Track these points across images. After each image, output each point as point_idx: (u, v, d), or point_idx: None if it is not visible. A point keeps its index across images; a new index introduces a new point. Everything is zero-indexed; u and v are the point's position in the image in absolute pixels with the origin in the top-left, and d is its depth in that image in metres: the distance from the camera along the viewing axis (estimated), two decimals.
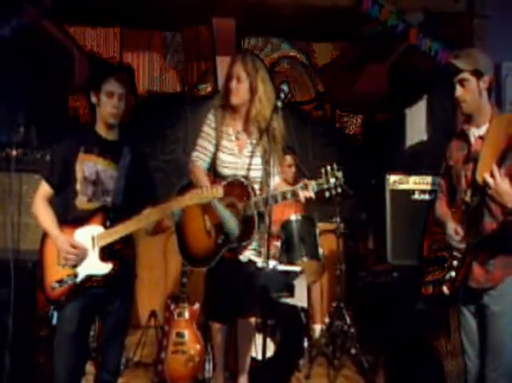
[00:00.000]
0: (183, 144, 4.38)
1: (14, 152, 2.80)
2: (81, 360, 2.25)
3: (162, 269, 4.02)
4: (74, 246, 2.09)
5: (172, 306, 3.01)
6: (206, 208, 2.35)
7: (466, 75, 2.09)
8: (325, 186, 2.18)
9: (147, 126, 4.32)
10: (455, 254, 2.07)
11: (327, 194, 2.20)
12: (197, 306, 3.00)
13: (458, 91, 2.11)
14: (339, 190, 2.18)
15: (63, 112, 4.33)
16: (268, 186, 2.30)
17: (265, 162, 2.24)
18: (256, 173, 2.48)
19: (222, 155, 2.48)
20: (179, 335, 2.94)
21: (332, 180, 2.17)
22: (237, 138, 2.51)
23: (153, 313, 3.31)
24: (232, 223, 2.29)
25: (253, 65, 2.43)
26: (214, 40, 4.24)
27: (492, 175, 1.90)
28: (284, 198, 2.26)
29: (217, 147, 2.49)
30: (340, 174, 2.17)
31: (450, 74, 2.13)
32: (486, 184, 1.92)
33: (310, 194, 2.19)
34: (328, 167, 2.18)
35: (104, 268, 2.09)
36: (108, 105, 2.18)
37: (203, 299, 2.74)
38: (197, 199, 2.08)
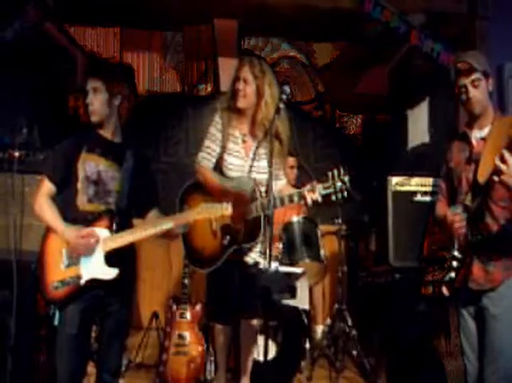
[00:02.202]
0: (185, 146, 4.38)
1: (17, 154, 2.80)
2: (83, 360, 2.23)
3: (164, 270, 4.02)
4: (83, 236, 2.07)
5: (174, 308, 3.01)
6: None
7: (479, 75, 2.08)
8: (332, 190, 2.17)
9: (148, 127, 4.32)
10: (456, 254, 2.06)
11: (333, 197, 2.19)
12: (199, 307, 3.01)
13: (472, 91, 2.08)
14: (345, 194, 2.17)
15: (65, 113, 4.34)
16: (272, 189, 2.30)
17: (271, 165, 2.27)
18: (262, 176, 2.48)
19: (228, 158, 2.49)
20: (181, 336, 2.94)
21: (339, 184, 2.16)
22: (243, 141, 2.51)
23: (155, 315, 3.31)
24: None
25: (260, 68, 2.45)
26: (216, 41, 4.24)
27: (504, 161, 1.85)
28: (291, 201, 2.25)
29: (223, 149, 2.49)
30: (346, 178, 2.15)
31: (459, 74, 2.10)
32: (496, 171, 1.87)
33: (317, 197, 2.18)
34: (335, 171, 2.17)
35: (111, 273, 2.08)
36: (88, 104, 2.19)
37: (205, 300, 2.74)
38: (206, 213, 2.12)
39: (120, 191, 2.17)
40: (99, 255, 2.09)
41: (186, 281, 3.03)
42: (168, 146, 4.41)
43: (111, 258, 2.10)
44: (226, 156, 2.49)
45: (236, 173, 2.47)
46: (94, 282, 2.08)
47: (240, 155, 2.50)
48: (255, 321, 2.60)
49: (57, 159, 2.22)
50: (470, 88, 2.08)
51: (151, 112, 4.41)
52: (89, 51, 4.38)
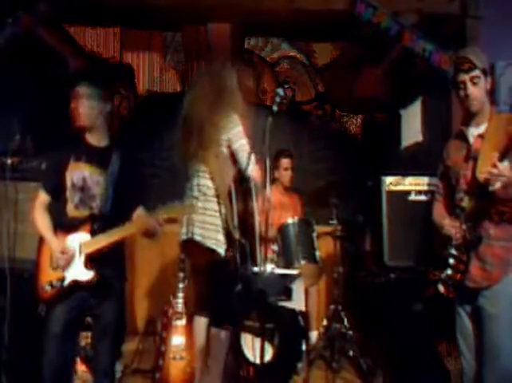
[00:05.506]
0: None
1: (10, 161, 2.81)
2: (68, 360, 2.29)
3: (159, 275, 4.01)
4: (64, 252, 2.19)
5: (170, 312, 3.00)
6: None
7: (478, 72, 2.07)
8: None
9: (148, 128, 4.31)
10: (453, 252, 2.06)
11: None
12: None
13: (470, 89, 2.07)
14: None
15: (59, 119, 4.33)
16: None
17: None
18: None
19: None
20: (177, 341, 2.93)
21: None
22: None
23: (151, 320, 3.29)
24: None
25: None
26: (211, 45, 4.25)
27: (494, 166, 1.85)
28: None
29: None
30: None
31: (459, 71, 2.09)
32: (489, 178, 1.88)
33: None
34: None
35: (87, 275, 2.18)
36: (77, 109, 2.24)
37: (209, 306, 2.73)
38: (173, 213, 2.22)
39: (104, 195, 2.25)
40: (79, 258, 2.20)
41: (181, 285, 3.02)
42: (163, 149, 4.40)
43: (89, 260, 2.19)
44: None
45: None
46: (78, 285, 2.18)
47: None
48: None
49: (48, 170, 2.36)
50: (469, 85, 2.07)
51: (152, 112, 4.40)
52: (89, 51, 4.40)
